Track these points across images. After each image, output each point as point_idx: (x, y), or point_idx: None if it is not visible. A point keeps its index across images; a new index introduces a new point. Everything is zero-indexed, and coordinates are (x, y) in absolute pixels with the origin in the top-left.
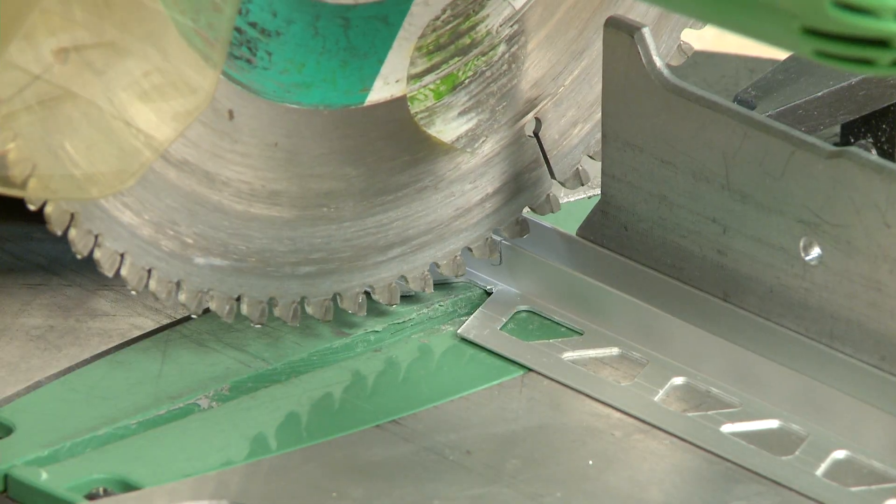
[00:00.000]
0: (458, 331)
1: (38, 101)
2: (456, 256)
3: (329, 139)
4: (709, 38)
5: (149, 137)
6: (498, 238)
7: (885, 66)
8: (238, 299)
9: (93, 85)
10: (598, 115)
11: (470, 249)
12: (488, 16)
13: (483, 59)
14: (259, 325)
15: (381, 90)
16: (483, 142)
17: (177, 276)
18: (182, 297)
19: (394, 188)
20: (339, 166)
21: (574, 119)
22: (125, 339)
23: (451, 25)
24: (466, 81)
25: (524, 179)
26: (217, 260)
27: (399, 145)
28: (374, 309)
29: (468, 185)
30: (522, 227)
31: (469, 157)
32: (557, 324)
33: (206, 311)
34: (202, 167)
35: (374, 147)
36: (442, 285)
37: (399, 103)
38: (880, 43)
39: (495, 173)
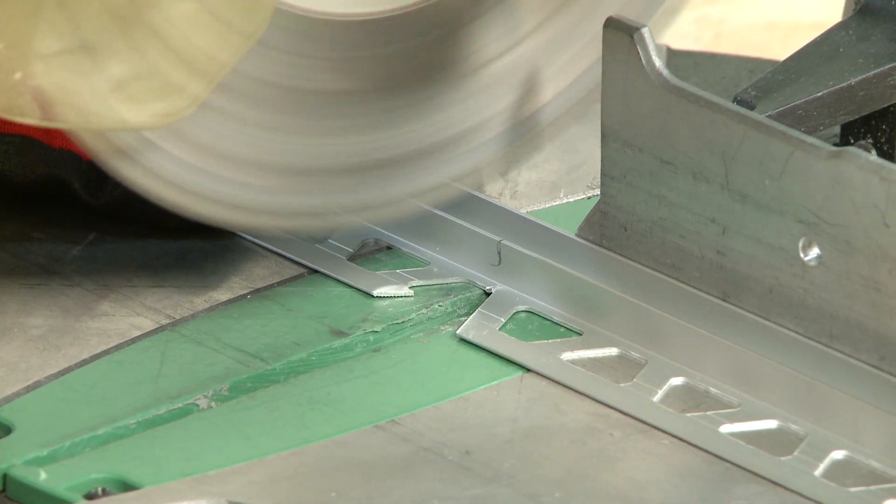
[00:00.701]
0: (458, 331)
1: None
2: None
3: None
4: (707, 40)
5: (194, 70)
6: (497, 238)
7: None
8: None
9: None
10: None
11: None
12: None
13: None
14: None
15: None
16: None
17: None
18: None
19: None
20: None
21: None
22: (124, 339)
23: None
24: None
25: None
26: None
27: None
28: (373, 310)
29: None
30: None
31: None
32: (556, 324)
33: (206, 311)
34: None
35: None
36: (441, 286)
37: None
38: None
39: None
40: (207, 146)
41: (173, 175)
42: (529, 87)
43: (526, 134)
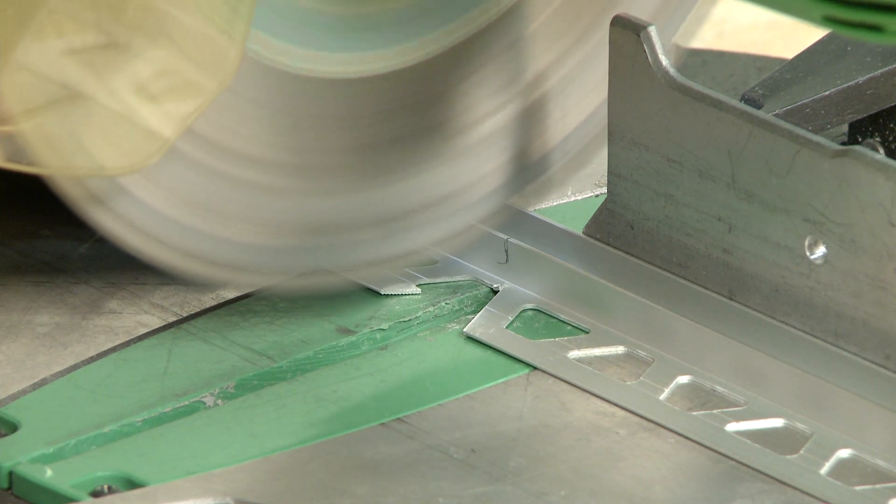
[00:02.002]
0: (464, 329)
1: (59, 97)
2: None
3: None
4: (709, 38)
5: (168, 116)
6: (505, 237)
7: (893, 34)
8: None
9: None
10: None
11: None
12: None
13: None
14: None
15: None
16: None
17: None
18: None
19: None
20: None
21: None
22: (131, 337)
23: None
24: None
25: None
26: None
27: None
28: (380, 307)
29: None
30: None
31: None
32: (563, 322)
33: (213, 308)
34: None
35: None
36: (448, 284)
37: None
38: (889, 8)
39: None
40: (183, 197)
41: (145, 224)
42: (538, 132)
43: (534, 179)
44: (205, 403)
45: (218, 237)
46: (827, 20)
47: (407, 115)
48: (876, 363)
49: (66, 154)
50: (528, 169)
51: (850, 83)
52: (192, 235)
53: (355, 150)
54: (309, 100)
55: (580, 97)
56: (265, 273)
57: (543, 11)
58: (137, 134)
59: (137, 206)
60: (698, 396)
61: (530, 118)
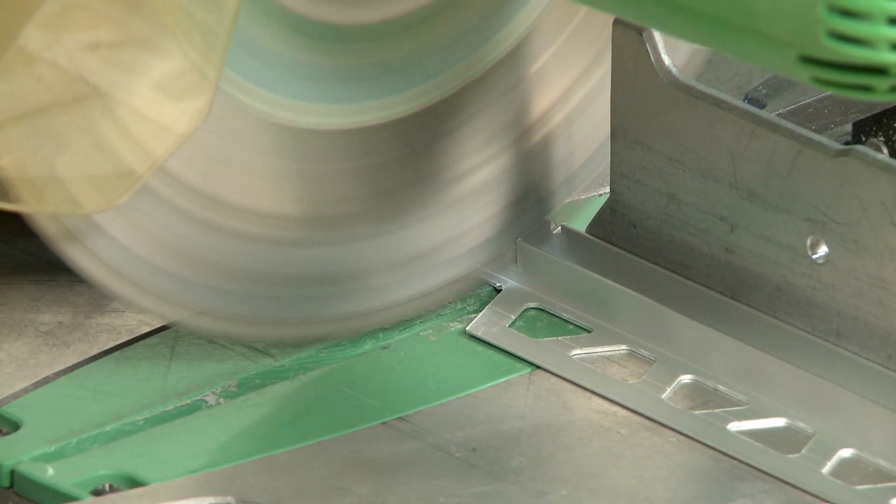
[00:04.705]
0: (467, 328)
1: (33, 112)
2: None
3: None
4: None
5: (144, 153)
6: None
7: (884, 92)
8: None
9: (92, 95)
10: None
11: None
12: None
13: None
14: None
15: None
16: None
17: None
18: None
19: None
20: None
21: None
22: (133, 336)
23: None
24: None
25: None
26: None
27: None
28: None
29: None
30: None
31: None
32: (566, 321)
33: None
34: None
35: None
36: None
37: None
38: (878, 70)
39: None
40: (155, 238)
41: (115, 262)
42: (545, 170)
43: (543, 216)
44: (207, 402)
45: (217, 289)
46: (816, 81)
47: (413, 161)
48: (878, 363)
49: (43, 189)
50: (536, 205)
51: None
52: (192, 288)
53: (364, 198)
54: (311, 152)
55: (589, 131)
56: (269, 324)
57: (551, 46)
58: (110, 168)
59: (132, 260)
60: (700, 396)
61: (537, 156)
